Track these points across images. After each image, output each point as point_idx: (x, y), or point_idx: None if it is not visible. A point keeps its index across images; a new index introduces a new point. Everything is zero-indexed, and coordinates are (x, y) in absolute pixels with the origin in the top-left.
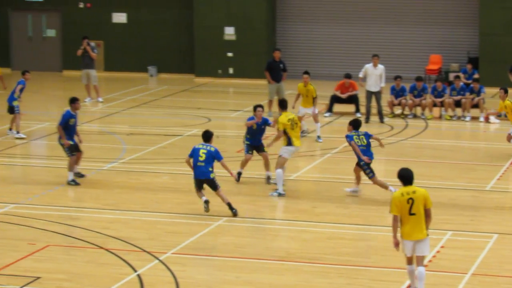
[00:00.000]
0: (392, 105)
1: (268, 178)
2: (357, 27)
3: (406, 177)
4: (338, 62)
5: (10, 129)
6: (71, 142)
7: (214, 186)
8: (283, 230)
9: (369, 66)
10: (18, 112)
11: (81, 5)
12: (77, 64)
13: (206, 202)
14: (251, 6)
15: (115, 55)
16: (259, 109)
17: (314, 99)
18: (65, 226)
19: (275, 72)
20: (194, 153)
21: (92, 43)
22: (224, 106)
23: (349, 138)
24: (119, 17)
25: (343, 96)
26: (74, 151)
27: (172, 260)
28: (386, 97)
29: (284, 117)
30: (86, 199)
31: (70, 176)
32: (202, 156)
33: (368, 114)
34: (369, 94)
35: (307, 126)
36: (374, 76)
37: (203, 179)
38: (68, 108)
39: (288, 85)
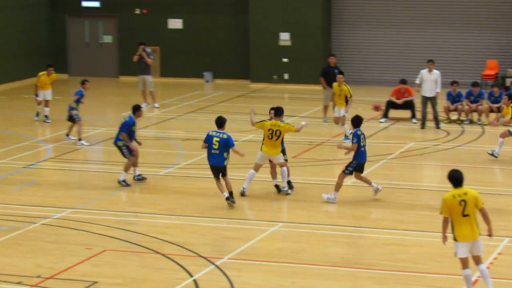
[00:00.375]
0: (448, 110)
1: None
2: (413, 32)
3: (456, 178)
4: (393, 68)
5: (67, 135)
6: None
7: (224, 172)
8: (338, 236)
9: (424, 72)
10: (79, 120)
11: (137, 11)
12: (134, 70)
13: (228, 199)
14: (306, 12)
15: (171, 61)
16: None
17: (347, 99)
18: (122, 231)
19: (330, 77)
20: (209, 141)
21: (148, 49)
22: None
23: (356, 138)
24: (175, 23)
25: (399, 101)
26: (133, 154)
27: (228, 265)
28: (442, 103)
29: (269, 123)
30: (142, 204)
31: (123, 176)
32: (216, 144)
33: (423, 120)
34: (425, 99)
35: (350, 130)
36: (429, 81)
37: (217, 165)
38: (130, 114)
39: None
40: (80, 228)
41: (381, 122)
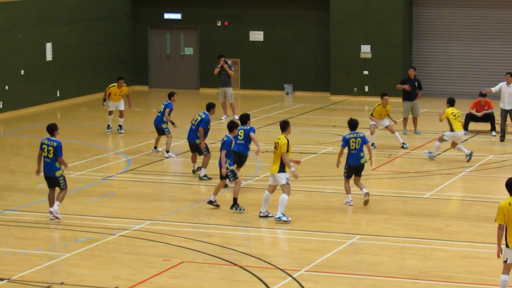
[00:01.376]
0: None
1: None
2: (493, 44)
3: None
4: (474, 80)
5: (155, 147)
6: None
7: (243, 162)
8: (416, 248)
9: (503, 84)
10: (168, 133)
11: (219, 23)
12: (214, 82)
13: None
14: (387, 24)
15: (252, 73)
16: None
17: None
18: (199, 243)
19: (410, 90)
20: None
21: (229, 61)
22: (359, 124)
23: (344, 142)
24: (256, 35)
25: (479, 114)
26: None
27: (305, 277)
28: None
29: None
30: (220, 216)
31: (203, 172)
32: (241, 135)
33: (503, 133)
34: (504, 112)
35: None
36: (508, 94)
37: (241, 153)
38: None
39: (421, 103)
40: (158, 240)
41: None
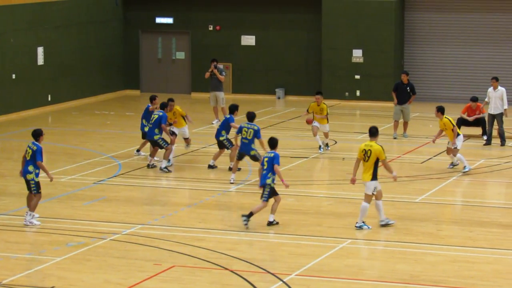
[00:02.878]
0: None
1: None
2: (485, 49)
3: None
4: (465, 85)
5: (138, 150)
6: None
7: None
8: (407, 252)
9: (490, 90)
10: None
11: (211, 27)
12: (206, 86)
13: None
14: (379, 29)
15: (243, 78)
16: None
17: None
18: (190, 247)
19: (402, 94)
20: (241, 131)
21: (220, 66)
22: (350, 129)
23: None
24: (248, 40)
25: (470, 119)
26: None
27: (296, 281)
28: None
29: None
30: (211, 221)
31: (164, 164)
32: (244, 134)
33: (489, 137)
34: (490, 117)
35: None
36: (494, 98)
37: (244, 152)
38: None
39: (413, 108)
40: (149, 244)
41: None
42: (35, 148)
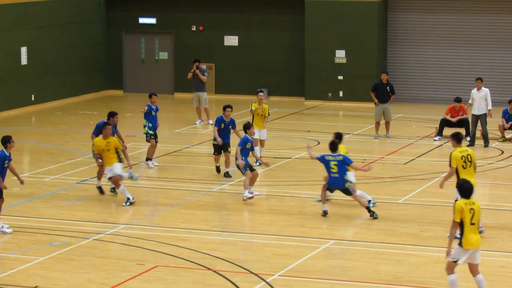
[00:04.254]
0: (503, 129)
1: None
2: (468, 50)
3: None
4: (448, 86)
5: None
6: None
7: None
8: (390, 253)
9: (474, 91)
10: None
11: (194, 28)
12: (189, 86)
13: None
14: (362, 30)
15: (226, 78)
16: (228, 109)
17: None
18: (173, 247)
19: (382, 94)
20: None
21: (203, 66)
22: (334, 129)
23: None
24: (231, 40)
25: (453, 120)
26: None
27: (279, 282)
28: (498, 121)
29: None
30: (194, 221)
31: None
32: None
33: (473, 138)
34: (474, 117)
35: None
36: (478, 99)
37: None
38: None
39: (396, 109)
40: (132, 244)
41: (435, 140)
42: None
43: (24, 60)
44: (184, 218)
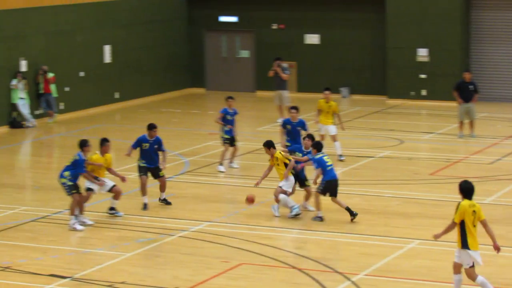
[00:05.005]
0: None
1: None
2: None
3: None
4: None
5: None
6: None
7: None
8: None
9: None
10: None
11: (275, 26)
12: (270, 85)
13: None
14: (444, 28)
15: (308, 76)
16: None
17: (336, 116)
18: (258, 245)
19: (465, 92)
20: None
21: (285, 64)
22: (416, 128)
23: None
24: (312, 38)
25: None
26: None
27: (364, 281)
28: None
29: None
30: (278, 219)
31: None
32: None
33: None
34: None
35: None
36: None
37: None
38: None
39: (481, 108)
40: (217, 241)
41: None
42: (77, 158)
43: (107, 58)
44: (268, 216)
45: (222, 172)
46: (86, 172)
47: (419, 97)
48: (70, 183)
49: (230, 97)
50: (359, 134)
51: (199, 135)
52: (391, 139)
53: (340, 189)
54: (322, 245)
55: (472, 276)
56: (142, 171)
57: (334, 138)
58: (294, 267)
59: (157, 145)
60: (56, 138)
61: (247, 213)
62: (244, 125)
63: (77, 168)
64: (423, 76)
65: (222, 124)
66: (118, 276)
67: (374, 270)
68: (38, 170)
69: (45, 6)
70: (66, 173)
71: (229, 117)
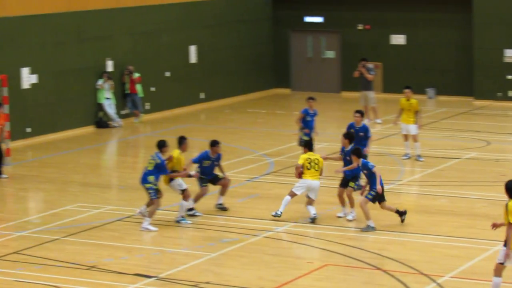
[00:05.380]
0: None
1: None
2: None
3: None
4: None
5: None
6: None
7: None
8: None
9: None
10: None
11: (360, 26)
12: (356, 85)
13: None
14: None
15: (394, 77)
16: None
17: (417, 114)
18: (342, 246)
19: None
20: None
21: (370, 65)
22: (504, 130)
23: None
24: (398, 39)
25: None
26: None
27: (450, 284)
28: None
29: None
30: (363, 220)
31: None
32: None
33: None
34: None
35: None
36: None
37: None
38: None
39: None
40: (302, 242)
41: None
42: (158, 161)
43: (193, 59)
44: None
45: None
46: (169, 173)
47: (506, 98)
48: (156, 187)
49: (311, 98)
50: (445, 135)
51: (284, 136)
52: (478, 140)
53: (426, 190)
54: (406, 246)
55: (497, 272)
56: (204, 182)
57: (415, 139)
58: (378, 268)
59: (217, 161)
60: (141, 138)
61: (331, 214)
62: (329, 126)
63: (160, 171)
64: (510, 77)
65: (301, 125)
66: (203, 276)
67: (459, 272)
68: (123, 170)
69: (131, 7)
70: (151, 178)
71: (308, 118)
